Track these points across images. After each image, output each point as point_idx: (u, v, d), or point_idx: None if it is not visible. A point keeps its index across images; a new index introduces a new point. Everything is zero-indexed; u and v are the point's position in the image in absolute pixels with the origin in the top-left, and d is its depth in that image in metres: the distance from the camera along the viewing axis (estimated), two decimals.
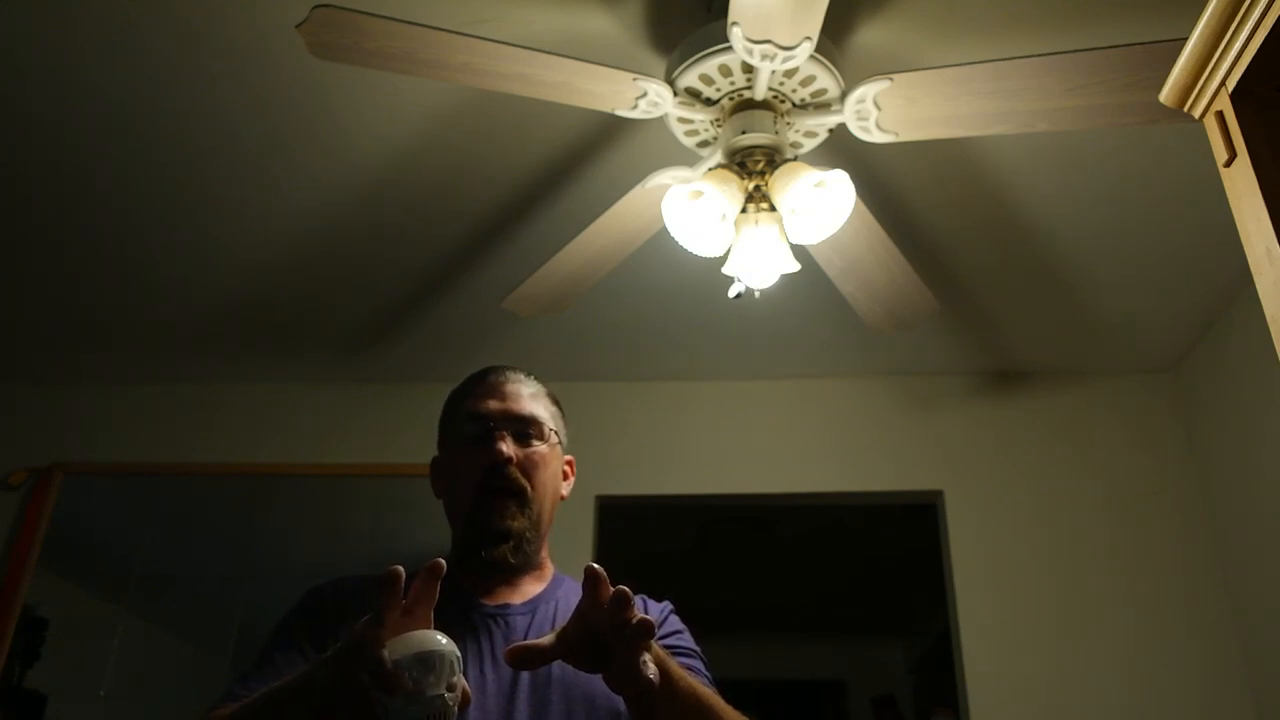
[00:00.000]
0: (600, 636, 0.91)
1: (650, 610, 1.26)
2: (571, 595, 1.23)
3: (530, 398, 1.28)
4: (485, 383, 1.29)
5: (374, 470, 2.92)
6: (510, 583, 1.21)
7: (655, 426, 2.99)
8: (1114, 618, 2.63)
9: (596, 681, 1.09)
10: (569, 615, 1.16)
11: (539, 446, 1.25)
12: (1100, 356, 2.90)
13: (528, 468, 1.22)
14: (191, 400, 3.08)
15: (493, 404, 1.25)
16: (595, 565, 0.93)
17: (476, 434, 1.23)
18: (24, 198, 2.30)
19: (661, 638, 1.20)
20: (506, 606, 1.19)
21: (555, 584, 1.26)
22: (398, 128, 2.07)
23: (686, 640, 1.23)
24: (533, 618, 1.18)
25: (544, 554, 1.27)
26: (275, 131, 2.08)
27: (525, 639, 1.13)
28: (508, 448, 1.21)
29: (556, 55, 1.52)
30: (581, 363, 2.96)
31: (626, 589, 0.89)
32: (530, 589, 1.23)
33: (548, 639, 0.96)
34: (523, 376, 1.31)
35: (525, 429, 1.25)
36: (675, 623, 1.24)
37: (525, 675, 1.10)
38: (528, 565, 1.22)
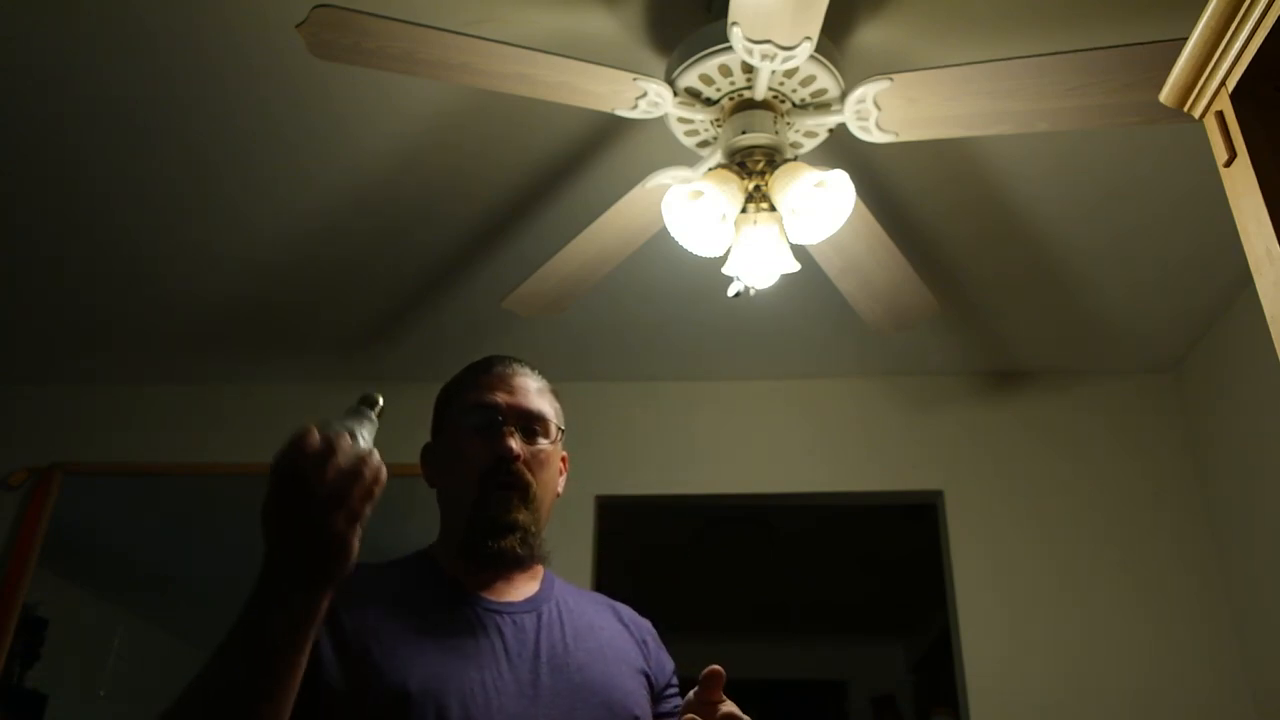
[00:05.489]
0: None
1: (641, 627, 1.27)
2: (567, 595, 1.22)
3: (537, 393, 1.24)
4: (493, 373, 1.24)
5: None
6: (508, 578, 1.18)
7: (655, 426, 2.99)
8: (1114, 617, 2.63)
9: (615, 689, 1.11)
10: (572, 615, 1.18)
11: (544, 445, 1.21)
12: (1100, 357, 2.89)
13: (533, 465, 1.18)
14: (191, 400, 3.08)
15: (501, 396, 1.20)
16: (718, 668, 1.01)
17: (483, 424, 1.18)
18: (24, 198, 2.30)
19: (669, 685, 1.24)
20: (510, 604, 1.16)
21: (549, 582, 1.23)
22: (398, 128, 2.07)
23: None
24: (539, 617, 1.15)
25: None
26: (276, 132, 2.08)
27: (537, 639, 1.12)
28: (516, 444, 1.17)
29: (556, 55, 1.52)
30: (581, 363, 2.95)
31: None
32: (526, 587, 1.20)
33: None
34: (528, 370, 1.27)
35: (533, 425, 1.20)
36: (667, 657, 1.27)
37: (544, 678, 1.08)
38: (532, 559, 1.18)
